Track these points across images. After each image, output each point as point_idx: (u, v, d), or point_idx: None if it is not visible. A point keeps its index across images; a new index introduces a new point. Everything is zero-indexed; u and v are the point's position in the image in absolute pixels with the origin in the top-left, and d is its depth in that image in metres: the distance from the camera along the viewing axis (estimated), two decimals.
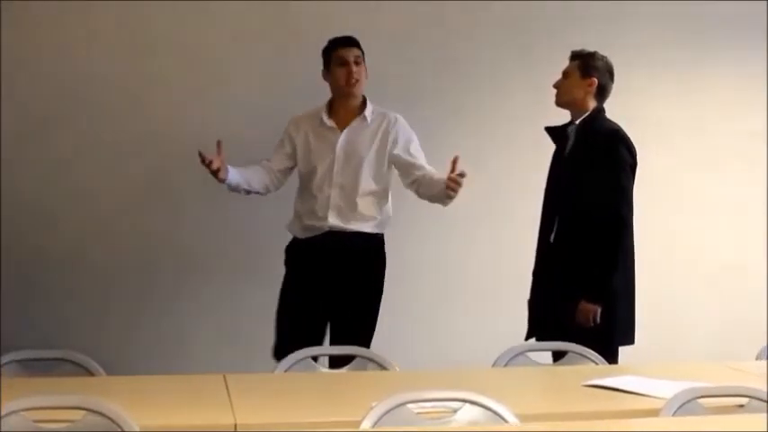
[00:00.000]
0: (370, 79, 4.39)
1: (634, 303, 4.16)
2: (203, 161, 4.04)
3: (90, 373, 3.29)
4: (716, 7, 5.39)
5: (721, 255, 5.48)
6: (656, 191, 5.27)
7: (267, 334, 4.35)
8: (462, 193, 4.06)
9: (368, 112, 4.37)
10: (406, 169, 4.35)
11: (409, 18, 5.14)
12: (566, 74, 4.25)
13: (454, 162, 3.98)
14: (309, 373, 3.51)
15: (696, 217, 5.48)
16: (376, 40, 4.41)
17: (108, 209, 4.98)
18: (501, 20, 5.24)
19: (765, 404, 2.73)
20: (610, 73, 4.23)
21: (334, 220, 4.30)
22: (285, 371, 3.47)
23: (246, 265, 5.03)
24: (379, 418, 2.57)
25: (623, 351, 4.11)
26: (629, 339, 4.14)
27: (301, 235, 4.38)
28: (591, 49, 4.25)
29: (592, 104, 4.19)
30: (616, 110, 4.25)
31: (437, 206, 4.23)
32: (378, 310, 4.35)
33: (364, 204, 4.32)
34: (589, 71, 4.19)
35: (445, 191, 4.03)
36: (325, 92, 4.42)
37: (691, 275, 5.45)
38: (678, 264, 5.45)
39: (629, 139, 4.13)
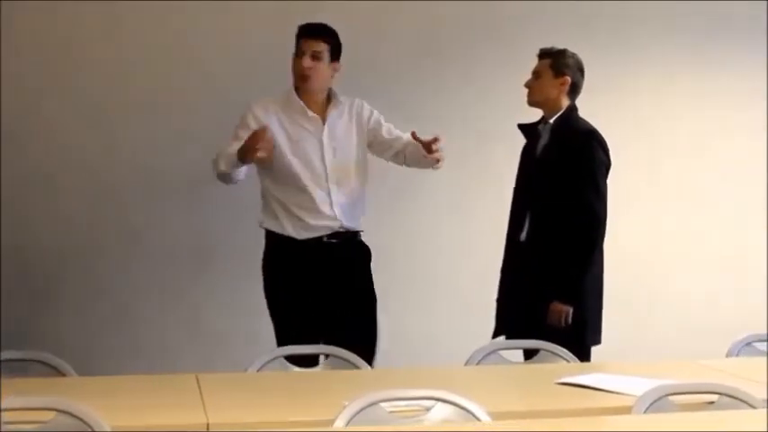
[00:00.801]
0: (346, 72, 4.18)
1: (602, 303, 4.17)
2: (255, 142, 3.83)
3: (61, 373, 3.27)
4: (716, 7, 5.39)
5: (717, 253, 5.48)
6: (653, 190, 5.30)
7: (238, 332, 4.32)
8: (432, 189, 4.03)
9: (341, 99, 4.15)
10: (387, 143, 4.19)
11: (389, 12, 5.12)
12: (537, 73, 4.22)
13: (415, 137, 3.93)
14: (282, 372, 3.50)
15: (692, 215, 5.48)
16: (355, 32, 4.34)
17: (89, 207, 4.95)
18: (483, 16, 5.22)
19: (735, 401, 2.76)
20: (581, 70, 4.22)
21: (343, 220, 4.10)
22: (258, 370, 3.46)
23: (219, 262, 5.01)
24: (352, 417, 2.57)
25: (595, 349, 4.13)
26: (597, 339, 4.14)
27: (300, 235, 4.08)
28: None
29: (565, 103, 4.19)
30: (612, 109, 4.24)
31: (404, 202, 4.18)
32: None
33: (360, 200, 4.19)
34: (561, 69, 4.18)
35: (430, 161, 3.98)
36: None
37: (682, 273, 5.45)
38: (670, 262, 5.46)
39: (604, 140, 4.13)
